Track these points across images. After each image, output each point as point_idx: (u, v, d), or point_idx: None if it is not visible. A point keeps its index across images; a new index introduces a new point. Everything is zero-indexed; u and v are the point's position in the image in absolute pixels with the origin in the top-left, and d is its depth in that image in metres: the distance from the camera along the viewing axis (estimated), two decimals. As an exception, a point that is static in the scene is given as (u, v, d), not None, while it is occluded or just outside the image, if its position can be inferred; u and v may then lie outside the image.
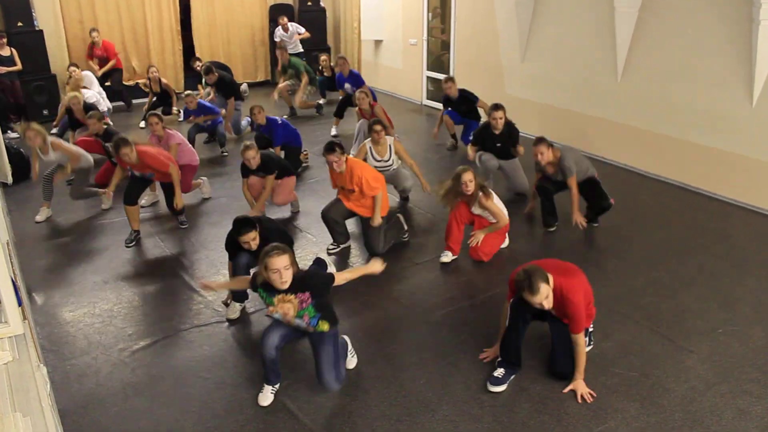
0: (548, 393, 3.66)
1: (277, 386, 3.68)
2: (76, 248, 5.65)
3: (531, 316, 3.71)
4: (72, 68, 9.24)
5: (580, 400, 3.57)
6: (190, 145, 6.95)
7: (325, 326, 3.50)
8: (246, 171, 5.97)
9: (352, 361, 3.91)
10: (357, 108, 8.19)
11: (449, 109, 8.14)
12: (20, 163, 7.37)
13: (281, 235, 4.37)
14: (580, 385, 3.62)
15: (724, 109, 6.27)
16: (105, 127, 7.13)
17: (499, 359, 3.84)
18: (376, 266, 3.73)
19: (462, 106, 8.05)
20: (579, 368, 3.64)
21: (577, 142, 7.86)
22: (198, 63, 10.63)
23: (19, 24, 9.52)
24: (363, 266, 3.74)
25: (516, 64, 8.75)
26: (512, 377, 3.77)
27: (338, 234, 5.44)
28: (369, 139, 6.27)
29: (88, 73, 9.54)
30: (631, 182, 7.03)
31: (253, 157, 5.77)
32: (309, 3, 12.33)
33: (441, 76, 10.45)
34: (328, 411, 3.55)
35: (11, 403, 2.15)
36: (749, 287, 4.77)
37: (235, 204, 6.54)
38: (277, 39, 11.28)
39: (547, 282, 3.42)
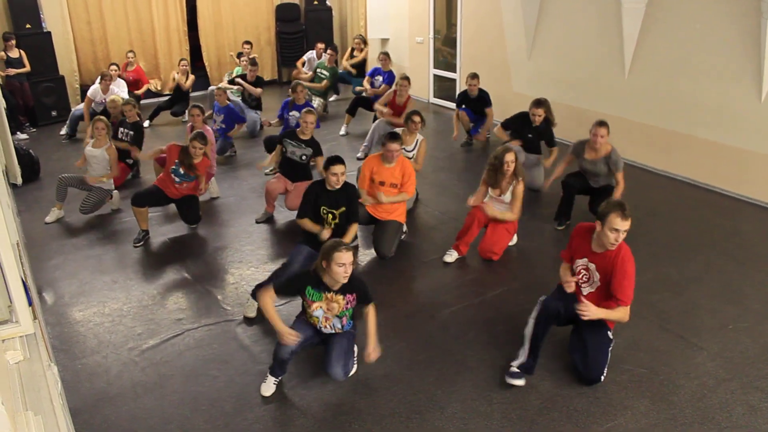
0: (557, 390, 3.65)
1: (280, 378, 3.74)
2: (85, 248, 5.68)
3: (561, 319, 3.71)
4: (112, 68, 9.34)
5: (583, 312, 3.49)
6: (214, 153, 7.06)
7: (352, 327, 3.77)
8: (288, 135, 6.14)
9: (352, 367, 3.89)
10: (385, 103, 8.11)
11: (463, 106, 8.17)
12: (30, 164, 7.41)
13: None
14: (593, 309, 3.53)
15: (732, 104, 6.23)
16: (137, 118, 7.23)
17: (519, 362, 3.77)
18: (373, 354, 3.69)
19: (478, 104, 8.10)
20: (608, 315, 3.59)
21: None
22: (247, 47, 10.60)
23: (28, 26, 9.57)
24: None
25: (523, 61, 8.73)
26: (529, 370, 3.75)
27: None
28: (402, 129, 6.36)
29: (120, 81, 9.61)
30: (639, 179, 7.00)
31: (312, 121, 6.02)
32: (315, 2, 12.33)
33: (448, 74, 10.49)
34: (337, 409, 3.55)
35: (23, 402, 2.16)
36: (759, 283, 4.75)
37: (243, 204, 6.56)
38: (306, 59, 11.18)
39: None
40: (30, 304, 2.53)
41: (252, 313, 4.45)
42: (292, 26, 12.28)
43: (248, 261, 5.32)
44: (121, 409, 3.60)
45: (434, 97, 10.90)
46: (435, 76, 10.82)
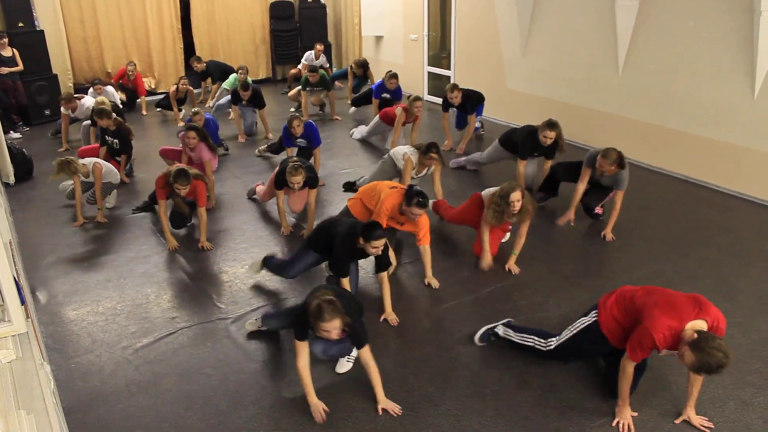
0: (551, 386, 3.66)
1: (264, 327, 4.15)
2: (79, 247, 5.66)
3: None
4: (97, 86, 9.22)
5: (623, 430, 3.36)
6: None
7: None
8: (282, 185, 5.66)
9: (345, 365, 3.89)
10: (396, 116, 7.95)
11: (449, 110, 8.10)
12: (23, 163, 7.39)
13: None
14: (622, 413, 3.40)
15: (725, 101, 6.25)
16: (119, 126, 7.19)
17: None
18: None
19: (465, 107, 7.99)
20: (621, 396, 3.38)
21: (578, 136, 7.87)
22: (197, 64, 10.62)
23: (20, 24, 9.54)
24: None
25: (517, 58, 8.74)
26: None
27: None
28: (414, 154, 5.96)
29: (109, 89, 9.56)
30: (633, 175, 6.97)
31: (299, 182, 5.44)
32: (309, 0, 12.32)
33: (442, 71, 10.49)
34: (332, 406, 3.55)
35: (15, 401, 2.16)
36: (752, 279, 4.77)
37: (237, 201, 6.56)
38: (304, 61, 11.18)
39: None
40: (22, 303, 2.53)
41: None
42: (287, 24, 12.28)
43: (242, 259, 5.32)
44: (115, 408, 3.59)
45: (428, 94, 10.91)
46: (429, 73, 10.82)
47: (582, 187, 5.58)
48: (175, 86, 9.77)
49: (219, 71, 10.45)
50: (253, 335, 4.25)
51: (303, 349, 3.42)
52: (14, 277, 2.48)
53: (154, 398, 3.66)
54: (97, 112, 7.14)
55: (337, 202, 6.44)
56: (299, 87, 9.92)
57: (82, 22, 10.64)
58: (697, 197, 6.39)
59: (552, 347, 3.73)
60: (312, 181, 5.60)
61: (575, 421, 3.39)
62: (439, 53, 10.65)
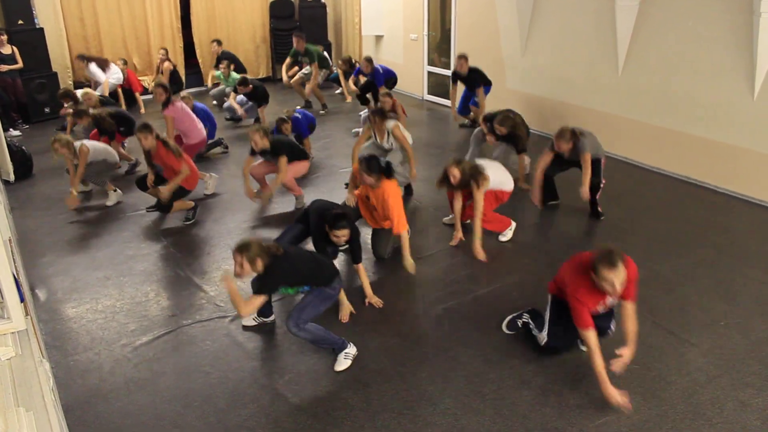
0: (550, 386, 3.66)
1: (263, 319, 4.35)
2: (78, 245, 5.66)
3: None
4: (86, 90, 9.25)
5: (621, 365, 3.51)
6: (194, 121, 7.25)
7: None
8: (253, 151, 6.18)
9: (344, 363, 3.89)
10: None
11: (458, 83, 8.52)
12: (23, 161, 7.39)
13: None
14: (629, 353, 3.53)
15: (725, 101, 6.25)
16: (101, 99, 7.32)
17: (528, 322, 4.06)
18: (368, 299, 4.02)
19: (469, 82, 8.39)
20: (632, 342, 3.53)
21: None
22: (215, 45, 10.75)
23: (20, 22, 9.53)
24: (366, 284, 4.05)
25: (517, 57, 8.74)
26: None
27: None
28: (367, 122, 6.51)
29: (115, 68, 9.70)
30: (632, 175, 7.03)
31: (259, 140, 5.97)
32: (310, -1, 12.33)
33: (442, 71, 10.49)
34: (330, 404, 3.56)
35: (14, 398, 2.16)
36: (751, 280, 4.77)
37: (236, 200, 6.56)
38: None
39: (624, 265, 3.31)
40: (22, 300, 2.53)
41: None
42: (287, 23, 12.27)
43: (242, 258, 5.31)
44: (114, 406, 3.59)
45: (428, 94, 10.90)
46: (429, 72, 10.82)
47: (543, 164, 5.86)
48: (157, 67, 9.89)
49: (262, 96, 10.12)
50: (251, 332, 4.25)
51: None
52: (13, 274, 2.47)
53: (153, 396, 3.67)
54: (76, 113, 7.26)
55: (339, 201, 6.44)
56: (300, 74, 10.16)
57: (81, 20, 10.63)
58: (695, 197, 6.40)
59: (545, 338, 3.84)
60: (276, 149, 6.01)
61: (574, 420, 3.40)
62: (440, 56, 10.64)
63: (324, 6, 12.46)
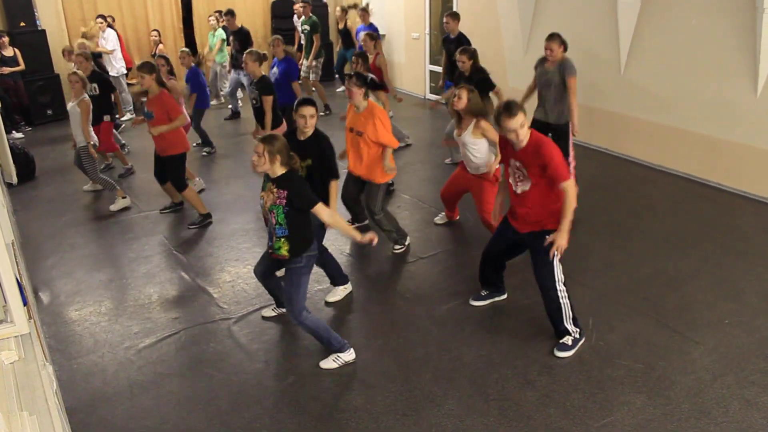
0: (554, 386, 3.65)
1: (280, 309, 4.40)
2: (81, 247, 5.66)
3: (510, 242, 4.03)
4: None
5: (553, 252, 3.67)
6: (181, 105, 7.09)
7: (284, 249, 3.64)
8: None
9: (330, 363, 3.89)
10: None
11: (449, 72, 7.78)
12: (25, 163, 7.39)
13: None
14: (561, 237, 3.65)
15: (728, 99, 6.23)
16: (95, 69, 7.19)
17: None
18: (364, 237, 3.72)
19: (453, 46, 7.53)
20: (565, 217, 3.64)
21: (581, 134, 7.83)
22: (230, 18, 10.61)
23: (22, 24, 9.54)
24: (353, 228, 3.79)
25: (519, 56, 8.72)
26: (493, 299, 4.51)
27: (358, 213, 5.58)
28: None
29: (110, 32, 9.72)
30: (636, 174, 7.00)
31: (251, 60, 6.17)
32: (311, -1, 12.30)
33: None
34: (334, 406, 3.55)
35: (18, 402, 2.15)
36: (756, 278, 4.75)
37: (239, 202, 6.55)
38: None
39: (524, 113, 3.66)
40: (25, 303, 2.52)
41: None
42: (288, 23, 12.24)
43: (244, 259, 5.31)
44: (118, 409, 3.59)
45: (430, 92, 10.88)
46: (431, 71, 10.80)
47: (528, 91, 6.24)
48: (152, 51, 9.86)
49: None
50: (254, 334, 4.25)
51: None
52: (17, 277, 2.47)
53: (156, 399, 3.66)
54: (76, 53, 7.28)
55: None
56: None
57: (84, 21, 10.63)
58: (699, 195, 6.37)
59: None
60: (264, 87, 6.18)
61: (578, 420, 3.38)
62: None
63: (326, 5, 12.45)
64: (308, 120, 4.20)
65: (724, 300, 4.47)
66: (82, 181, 6.98)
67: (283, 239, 3.62)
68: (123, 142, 8.24)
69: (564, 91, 5.81)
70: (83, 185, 6.99)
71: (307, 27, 9.91)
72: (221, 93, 10.69)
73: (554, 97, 5.87)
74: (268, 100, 6.15)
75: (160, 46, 10.53)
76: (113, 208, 6.43)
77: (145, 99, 6.11)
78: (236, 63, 9.16)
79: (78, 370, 3.94)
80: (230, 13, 9.85)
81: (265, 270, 4.06)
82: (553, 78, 5.82)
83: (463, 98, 4.86)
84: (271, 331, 4.29)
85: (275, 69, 7.42)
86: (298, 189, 3.56)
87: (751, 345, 3.96)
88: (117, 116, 7.62)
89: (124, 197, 6.51)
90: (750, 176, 6.22)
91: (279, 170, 3.54)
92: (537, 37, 8.38)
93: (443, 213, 5.84)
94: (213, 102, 9.82)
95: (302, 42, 10.16)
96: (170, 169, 5.93)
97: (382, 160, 5.03)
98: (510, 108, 3.61)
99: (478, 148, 4.91)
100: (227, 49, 10.20)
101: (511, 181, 3.87)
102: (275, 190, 3.57)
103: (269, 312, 4.46)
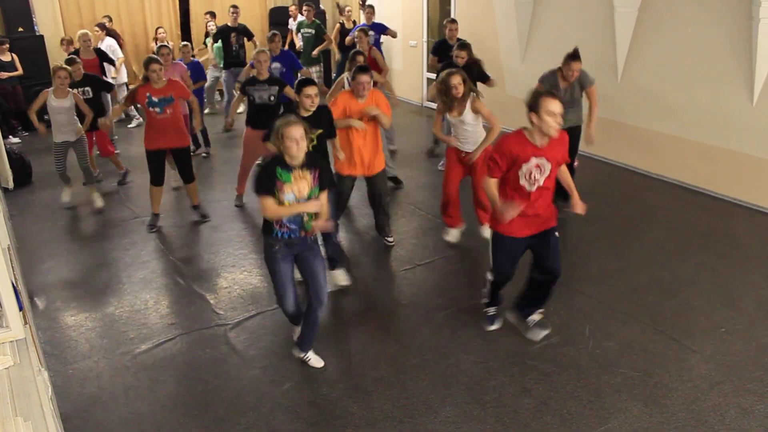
0: (551, 393, 3.64)
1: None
2: (77, 253, 5.65)
3: (520, 255, 3.98)
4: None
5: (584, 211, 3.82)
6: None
7: (311, 222, 3.64)
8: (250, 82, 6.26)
9: (295, 352, 3.98)
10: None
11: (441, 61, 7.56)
12: (22, 168, 7.38)
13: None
14: (581, 205, 3.82)
15: (724, 107, 6.25)
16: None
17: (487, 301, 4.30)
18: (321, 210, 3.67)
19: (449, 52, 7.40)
20: (575, 190, 3.91)
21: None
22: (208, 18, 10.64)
23: (20, 29, 9.55)
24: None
25: (516, 64, 8.75)
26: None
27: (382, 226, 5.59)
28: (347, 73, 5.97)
29: (110, 40, 9.69)
30: (632, 182, 7.02)
31: (266, 59, 6.24)
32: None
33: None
34: (331, 413, 3.54)
35: (12, 408, 2.14)
36: (752, 286, 4.76)
37: (235, 208, 6.54)
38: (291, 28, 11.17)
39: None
40: (20, 308, 2.51)
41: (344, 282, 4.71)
42: (286, 30, 12.27)
43: (241, 265, 5.30)
44: (113, 414, 3.57)
45: (427, 100, 10.90)
46: (428, 79, 10.83)
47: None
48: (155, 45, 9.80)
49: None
50: (250, 340, 4.23)
51: (268, 200, 3.49)
52: (12, 282, 2.46)
53: (152, 405, 3.65)
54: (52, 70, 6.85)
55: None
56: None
57: (82, 27, 10.63)
58: (695, 204, 6.39)
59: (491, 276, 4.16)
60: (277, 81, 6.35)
61: (575, 428, 3.38)
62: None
63: (323, 12, 12.48)
64: (313, 99, 4.48)
65: (721, 308, 4.48)
66: (78, 186, 6.95)
67: (314, 214, 3.63)
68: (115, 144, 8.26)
69: (581, 96, 5.88)
70: (79, 191, 6.96)
71: (310, 30, 9.85)
72: (215, 102, 10.61)
73: (575, 106, 5.90)
74: (290, 91, 6.08)
75: (162, 34, 10.33)
76: (65, 198, 6.66)
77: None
78: (235, 61, 9.08)
79: (73, 376, 3.92)
80: (234, 7, 9.75)
81: (294, 294, 3.83)
82: (575, 93, 5.84)
83: (460, 87, 5.01)
84: (268, 338, 4.28)
85: (275, 64, 7.40)
86: (324, 164, 3.69)
87: (747, 353, 3.96)
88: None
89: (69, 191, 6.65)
90: (746, 184, 6.24)
91: (303, 153, 3.47)
92: (534, 45, 8.42)
93: (451, 230, 5.57)
94: (206, 111, 9.78)
95: (301, 43, 10.11)
96: (185, 160, 6.01)
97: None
98: (551, 91, 3.81)
99: (477, 122, 5.14)
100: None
101: (523, 183, 3.70)
102: (308, 173, 3.51)
103: (297, 333, 4.07)
